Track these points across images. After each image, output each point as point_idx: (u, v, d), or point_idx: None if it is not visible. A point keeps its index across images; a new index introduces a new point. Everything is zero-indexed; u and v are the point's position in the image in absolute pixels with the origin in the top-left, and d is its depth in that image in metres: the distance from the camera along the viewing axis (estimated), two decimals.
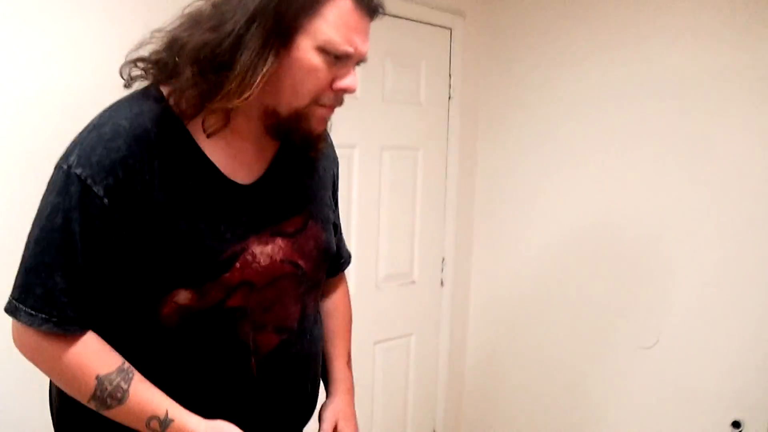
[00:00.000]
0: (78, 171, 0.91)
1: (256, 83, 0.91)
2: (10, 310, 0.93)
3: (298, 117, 0.98)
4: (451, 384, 2.73)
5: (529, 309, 2.58)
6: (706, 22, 2.10)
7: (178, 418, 0.96)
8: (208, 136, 0.98)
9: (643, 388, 2.29)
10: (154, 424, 0.95)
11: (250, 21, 0.90)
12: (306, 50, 0.94)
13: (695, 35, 2.12)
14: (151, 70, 0.99)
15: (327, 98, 0.98)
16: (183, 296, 0.97)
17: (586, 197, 2.40)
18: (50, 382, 1.08)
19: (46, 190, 0.94)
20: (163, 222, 0.95)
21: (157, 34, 0.99)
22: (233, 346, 1.03)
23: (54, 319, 0.91)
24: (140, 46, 1.00)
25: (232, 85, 0.91)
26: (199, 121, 0.97)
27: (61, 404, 1.06)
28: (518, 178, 2.58)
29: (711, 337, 2.14)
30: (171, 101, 0.96)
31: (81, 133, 0.96)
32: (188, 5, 0.98)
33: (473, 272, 2.75)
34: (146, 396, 0.95)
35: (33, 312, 0.91)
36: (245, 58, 0.90)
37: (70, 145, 0.95)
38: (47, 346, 0.93)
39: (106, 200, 0.91)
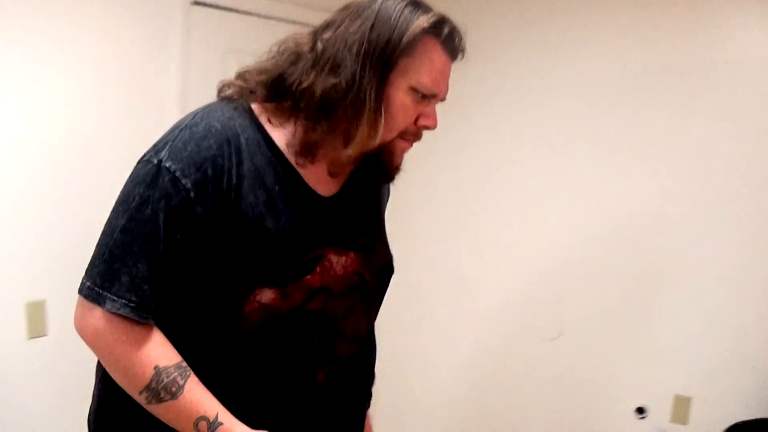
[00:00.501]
0: (168, 164, 0.94)
1: (382, 123, 0.99)
2: (92, 296, 0.93)
3: (383, 149, 1.06)
4: None
5: (433, 309, 2.69)
6: (632, 26, 2.31)
7: (227, 422, 0.95)
8: (298, 165, 1.03)
9: (552, 378, 2.48)
10: (202, 425, 0.94)
11: (363, 64, 0.97)
12: (399, 89, 1.00)
13: (619, 37, 2.32)
14: (250, 92, 1.04)
15: (410, 133, 1.06)
16: (266, 295, 0.99)
17: (505, 196, 2.56)
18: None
19: (132, 182, 0.96)
20: (249, 220, 0.97)
21: (262, 61, 1.05)
22: (308, 351, 1.05)
23: (133, 305, 0.92)
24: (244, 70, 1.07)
25: (364, 130, 0.99)
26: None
27: (100, 408, 1.06)
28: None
29: (613, 327, 2.36)
30: (262, 119, 1.03)
31: (171, 132, 0.99)
32: (285, 39, 1.05)
33: None
34: (199, 396, 0.95)
35: (115, 297, 0.92)
36: (370, 103, 0.98)
37: (159, 142, 0.98)
38: (115, 330, 0.94)
39: (192, 194, 0.94)
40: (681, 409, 2.22)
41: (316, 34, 1.02)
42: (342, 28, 0.99)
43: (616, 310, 2.33)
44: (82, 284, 0.95)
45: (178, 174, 0.94)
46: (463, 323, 2.64)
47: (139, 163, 0.98)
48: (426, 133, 1.09)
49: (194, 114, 1.01)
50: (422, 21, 0.98)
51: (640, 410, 2.30)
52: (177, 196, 0.93)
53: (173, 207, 0.93)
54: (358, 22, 0.98)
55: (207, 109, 1.02)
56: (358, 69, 0.96)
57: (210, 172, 0.95)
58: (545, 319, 2.46)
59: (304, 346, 1.05)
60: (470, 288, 2.62)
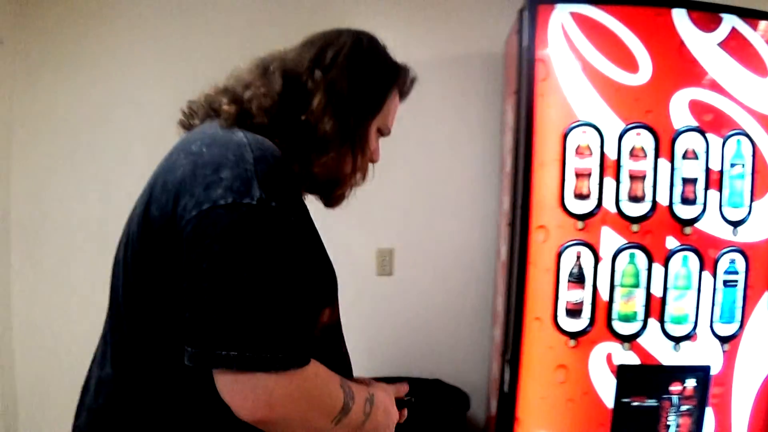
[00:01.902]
0: (273, 204, 0.85)
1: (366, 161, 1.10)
2: (280, 366, 0.81)
3: (343, 183, 1.12)
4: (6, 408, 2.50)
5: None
6: None
7: (372, 390, 1.01)
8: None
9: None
10: (367, 406, 0.98)
11: (357, 113, 1.06)
12: (372, 131, 1.11)
13: None
14: (249, 118, 1.00)
15: (365, 168, 1.12)
16: (326, 314, 1.01)
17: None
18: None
19: (240, 234, 0.83)
20: (320, 248, 1.01)
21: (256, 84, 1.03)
22: (341, 356, 1.09)
23: (304, 358, 0.85)
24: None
25: (358, 175, 1.10)
26: None
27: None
28: (54, 193, 2.51)
29: None
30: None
31: (241, 167, 0.87)
32: (271, 59, 1.07)
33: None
34: (348, 382, 0.96)
35: (293, 358, 0.83)
36: (361, 146, 1.08)
37: (237, 183, 0.85)
38: (305, 385, 0.86)
39: (297, 227, 0.91)
40: None
41: (310, 68, 1.04)
42: (335, 71, 1.04)
43: None
44: (252, 359, 0.80)
45: (285, 211, 0.87)
46: None
47: (231, 208, 0.84)
48: None
49: (251, 146, 0.91)
50: (401, 83, 1.14)
51: None
52: (291, 232, 0.88)
53: (293, 243, 0.88)
54: (351, 70, 1.05)
55: (254, 139, 0.93)
56: (353, 117, 1.04)
57: (299, 200, 0.97)
58: None
59: (338, 352, 1.08)
60: None
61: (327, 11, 2.43)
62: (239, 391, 0.81)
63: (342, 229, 2.25)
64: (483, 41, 2.39)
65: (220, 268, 0.82)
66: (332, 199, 1.16)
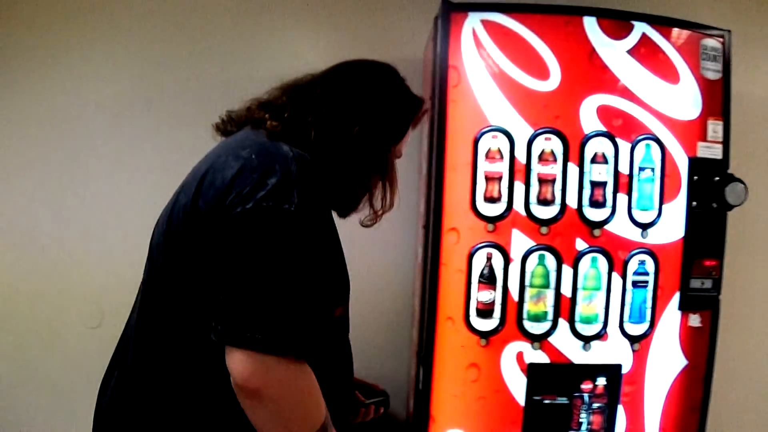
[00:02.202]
0: (307, 212, 1.02)
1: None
2: (285, 350, 0.99)
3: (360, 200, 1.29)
4: None
5: None
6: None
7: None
8: None
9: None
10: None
11: (386, 143, 1.25)
12: (393, 157, 1.29)
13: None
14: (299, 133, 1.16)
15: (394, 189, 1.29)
16: (340, 311, 1.16)
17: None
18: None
19: (275, 234, 1.00)
20: (339, 253, 1.17)
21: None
22: (346, 343, 1.21)
23: (304, 350, 1.01)
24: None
25: (390, 199, 1.27)
26: None
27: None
28: None
29: None
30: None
31: (285, 177, 1.03)
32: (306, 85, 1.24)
33: None
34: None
35: (299, 348, 1.01)
36: (389, 174, 1.25)
37: (280, 189, 1.01)
38: (301, 374, 1.02)
39: (321, 229, 1.07)
40: None
41: (346, 97, 1.20)
42: (368, 102, 1.21)
43: None
44: (271, 342, 0.98)
45: (313, 214, 1.04)
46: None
47: (269, 211, 1.00)
48: None
49: (291, 157, 1.06)
50: (420, 114, 1.34)
51: None
52: (315, 234, 1.05)
53: (315, 243, 1.04)
54: (383, 100, 1.23)
55: (282, 146, 1.10)
56: (381, 143, 1.23)
57: (328, 208, 1.14)
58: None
59: (345, 344, 1.21)
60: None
61: (248, 18, 2.49)
62: (248, 365, 0.96)
63: None
64: (405, 47, 2.44)
65: (255, 262, 0.98)
66: (347, 213, 1.33)
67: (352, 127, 1.17)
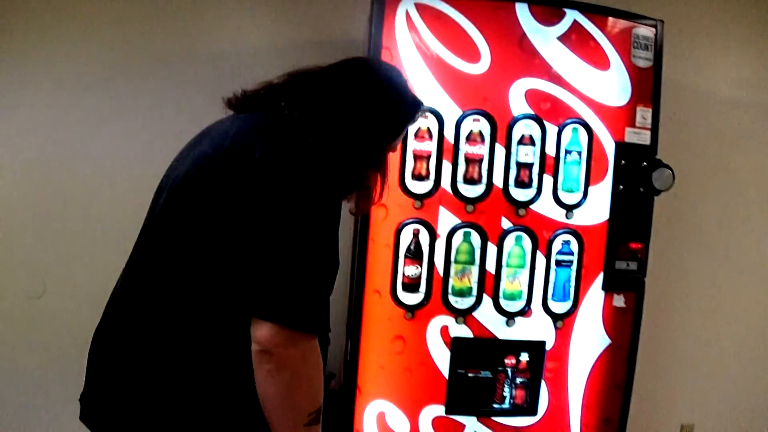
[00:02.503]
0: (335, 191, 1.16)
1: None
2: (311, 329, 1.09)
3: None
4: None
5: None
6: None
7: None
8: None
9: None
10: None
11: (386, 139, 1.36)
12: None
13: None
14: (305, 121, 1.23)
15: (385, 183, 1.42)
16: None
17: None
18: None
19: (310, 215, 1.10)
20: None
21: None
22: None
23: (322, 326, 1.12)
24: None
25: (380, 192, 1.38)
26: None
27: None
28: None
29: None
30: None
31: (304, 157, 1.14)
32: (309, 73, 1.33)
33: None
34: None
35: (319, 326, 1.10)
36: (384, 169, 1.39)
37: (305, 171, 1.12)
38: (316, 350, 1.11)
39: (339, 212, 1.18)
40: None
41: (351, 92, 1.27)
42: (374, 99, 1.29)
43: None
44: (299, 319, 1.07)
45: (341, 199, 1.20)
46: None
47: (304, 194, 1.10)
48: None
49: (300, 137, 1.17)
50: (419, 113, 1.44)
51: None
52: (338, 216, 1.17)
53: (336, 228, 1.16)
54: (388, 99, 1.32)
55: (315, 137, 1.19)
56: (382, 139, 1.34)
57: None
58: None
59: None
60: None
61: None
62: (277, 336, 1.05)
63: None
64: (348, 28, 2.51)
65: (288, 240, 1.07)
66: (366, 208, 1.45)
67: (356, 123, 1.26)
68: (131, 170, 2.49)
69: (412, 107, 1.40)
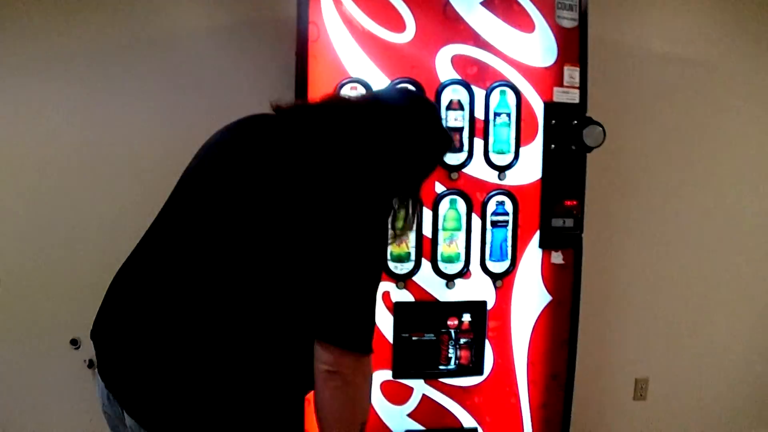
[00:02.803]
0: (386, 220, 1.27)
1: None
2: (371, 349, 1.20)
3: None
4: None
5: None
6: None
7: None
8: None
9: None
10: None
11: (424, 174, 1.51)
12: None
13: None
14: None
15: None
16: None
17: None
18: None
19: (370, 245, 1.22)
20: None
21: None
22: None
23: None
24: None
25: (412, 222, 1.45)
26: None
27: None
28: None
29: None
30: None
31: (366, 189, 1.23)
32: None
33: None
34: None
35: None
36: (420, 201, 1.53)
37: (366, 202, 1.22)
38: (371, 369, 1.25)
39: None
40: None
41: (400, 130, 1.36)
42: (420, 138, 1.40)
43: None
44: (362, 344, 1.18)
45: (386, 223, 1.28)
46: None
47: (370, 225, 1.21)
48: None
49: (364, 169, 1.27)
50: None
51: (74, 341, 2.59)
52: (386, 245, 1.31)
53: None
54: (431, 138, 1.43)
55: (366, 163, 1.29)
56: (422, 174, 1.48)
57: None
58: None
59: None
60: None
61: None
62: (344, 359, 1.16)
63: None
64: (280, 6, 2.54)
65: (351, 277, 1.17)
66: None
67: (404, 162, 1.38)
68: (70, 156, 2.54)
69: (443, 146, 1.53)
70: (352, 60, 2.08)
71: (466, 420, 2.22)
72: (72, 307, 2.55)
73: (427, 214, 2.12)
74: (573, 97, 2.19)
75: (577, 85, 2.19)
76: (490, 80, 2.14)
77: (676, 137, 2.90)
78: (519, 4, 2.16)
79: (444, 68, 2.12)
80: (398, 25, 2.10)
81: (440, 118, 1.53)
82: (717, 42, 2.91)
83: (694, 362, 3.01)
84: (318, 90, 2.08)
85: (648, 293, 2.94)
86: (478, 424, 2.23)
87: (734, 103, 2.94)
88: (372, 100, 1.45)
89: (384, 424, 2.16)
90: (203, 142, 1.42)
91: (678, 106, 2.89)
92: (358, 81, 2.08)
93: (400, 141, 1.36)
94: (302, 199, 1.18)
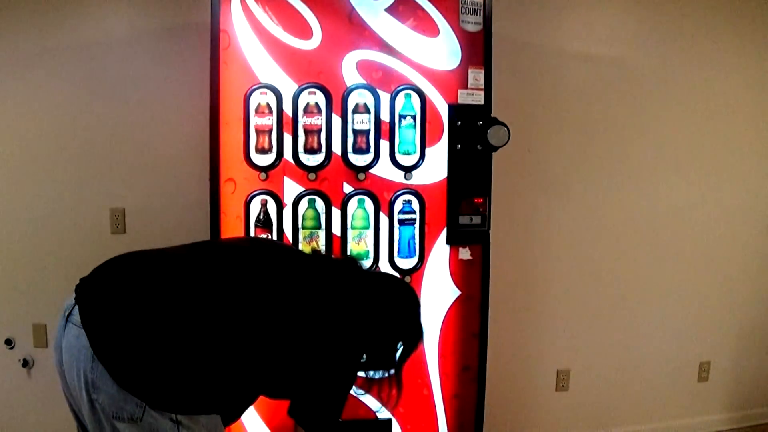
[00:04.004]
0: (358, 361, 1.81)
1: None
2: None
3: None
4: None
5: None
6: None
7: None
8: None
9: None
10: None
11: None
12: None
13: None
14: None
15: None
16: None
17: None
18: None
19: (341, 362, 1.68)
20: None
21: None
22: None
23: None
24: None
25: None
26: None
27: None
28: None
29: None
30: None
31: (352, 337, 1.68)
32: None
33: None
34: None
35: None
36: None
37: (349, 343, 1.68)
38: None
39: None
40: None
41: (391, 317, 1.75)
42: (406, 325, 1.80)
43: None
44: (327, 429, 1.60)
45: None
46: None
47: (348, 359, 1.67)
48: None
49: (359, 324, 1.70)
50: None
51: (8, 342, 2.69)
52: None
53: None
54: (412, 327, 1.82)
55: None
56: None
57: None
58: None
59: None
60: None
61: None
62: None
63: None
64: (197, 11, 2.61)
65: (329, 383, 1.62)
66: None
67: (387, 337, 1.75)
68: None
69: (417, 338, 1.84)
70: (262, 66, 2.17)
71: (381, 412, 2.30)
72: (5, 308, 2.63)
73: (335, 213, 2.20)
74: (478, 98, 2.28)
75: (482, 87, 2.28)
76: (396, 84, 2.23)
77: (592, 134, 2.99)
78: (423, 10, 2.24)
79: (350, 73, 2.20)
80: (305, 32, 2.18)
81: (419, 315, 1.82)
82: (630, 42, 3.00)
83: (614, 353, 3.10)
84: (230, 95, 2.16)
85: (568, 286, 3.03)
86: (392, 415, 2.31)
87: (647, 100, 3.02)
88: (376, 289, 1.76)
89: None
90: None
91: (594, 104, 2.98)
92: (268, 86, 2.16)
93: (383, 326, 1.71)
94: (303, 328, 1.54)
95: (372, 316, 1.67)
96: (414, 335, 1.81)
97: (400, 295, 1.79)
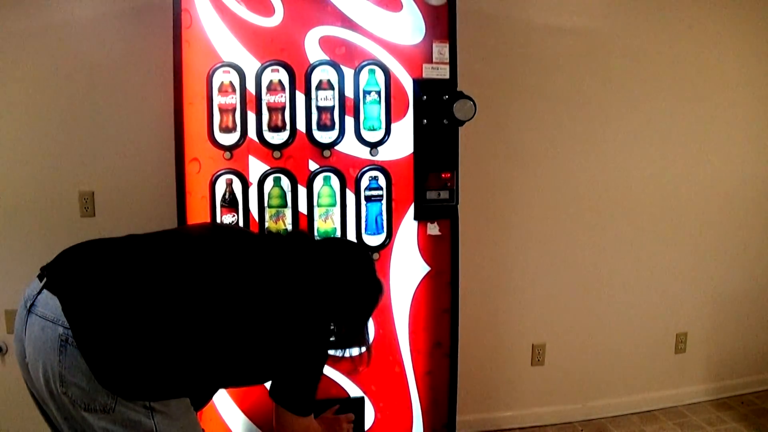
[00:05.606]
0: (326, 344, 1.85)
1: None
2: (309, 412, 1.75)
3: None
4: None
5: None
6: None
7: None
8: None
9: None
10: None
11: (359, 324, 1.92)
12: None
13: None
14: None
15: None
16: None
17: None
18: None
19: (316, 353, 1.81)
20: None
21: None
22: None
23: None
24: None
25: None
26: None
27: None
28: None
29: None
30: None
31: (319, 322, 1.75)
32: None
33: None
34: None
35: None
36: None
37: (316, 328, 1.76)
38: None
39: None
40: None
41: (350, 290, 1.82)
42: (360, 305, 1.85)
43: None
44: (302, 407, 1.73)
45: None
46: None
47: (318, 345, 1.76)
48: None
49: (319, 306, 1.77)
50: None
51: None
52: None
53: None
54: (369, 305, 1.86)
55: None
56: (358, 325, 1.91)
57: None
58: None
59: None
60: None
61: None
62: (294, 420, 1.72)
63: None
64: None
65: (308, 367, 1.72)
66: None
67: (351, 310, 1.80)
68: None
69: (378, 291, 1.86)
70: (224, 45, 2.15)
71: (353, 390, 2.30)
72: None
73: (301, 191, 2.20)
74: (443, 72, 2.26)
75: (447, 60, 2.26)
76: (359, 59, 2.21)
77: (563, 107, 2.98)
78: None
79: (313, 50, 2.19)
80: (267, 10, 2.17)
81: (373, 270, 1.88)
82: (600, 13, 2.98)
83: (590, 326, 3.11)
84: (194, 74, 2.14)
85: (541, 260, 3.03)
86: (365, 393, 2.31)
87: (618, 72, 3.01)
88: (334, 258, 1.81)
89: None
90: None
91: (564, 76, 2.96)
92: (230, 65, 2.15)
93: (341, 289, 1.76)
94: (272, 309, 1.60)
95: (328, 281, 1.72)
96: (373, 291, 1.83)
97: (350, 255, 1.85)
